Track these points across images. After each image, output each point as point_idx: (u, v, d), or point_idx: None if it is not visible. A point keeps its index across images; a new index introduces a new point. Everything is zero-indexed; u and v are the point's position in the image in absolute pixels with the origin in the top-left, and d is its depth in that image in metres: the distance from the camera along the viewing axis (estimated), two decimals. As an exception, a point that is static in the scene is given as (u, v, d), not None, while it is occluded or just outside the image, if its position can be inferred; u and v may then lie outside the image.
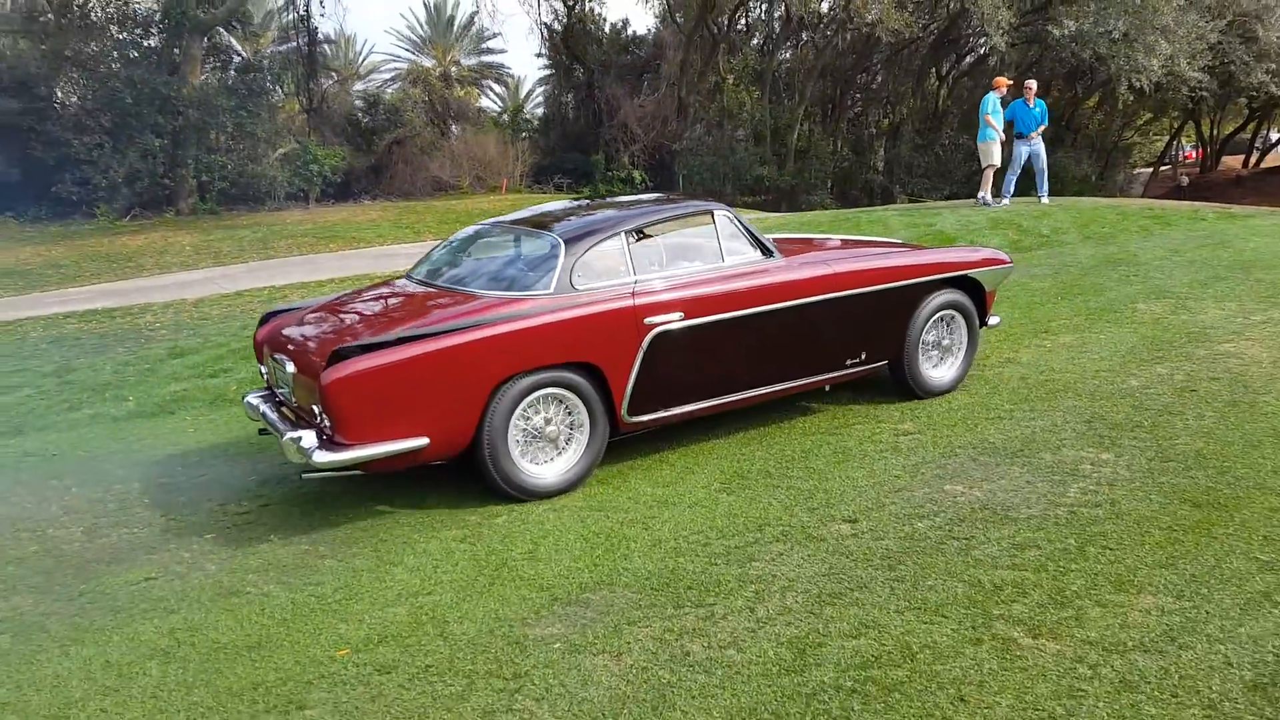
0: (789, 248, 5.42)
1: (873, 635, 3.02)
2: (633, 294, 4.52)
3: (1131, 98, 21.10)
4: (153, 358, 7.87)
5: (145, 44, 19.76)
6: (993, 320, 5.79)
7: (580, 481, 4.53)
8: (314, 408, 4.16)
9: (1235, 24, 19.98)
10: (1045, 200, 12.98)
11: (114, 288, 11.86)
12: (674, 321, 4.55)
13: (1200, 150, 36.02)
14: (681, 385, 4.70)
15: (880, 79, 27.77)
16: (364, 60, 33.41)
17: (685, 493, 4.38)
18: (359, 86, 29.85)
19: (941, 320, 5.48)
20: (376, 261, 12.46)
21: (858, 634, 3.03)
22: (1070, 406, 5.09)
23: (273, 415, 4.63)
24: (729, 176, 23.54)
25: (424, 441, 4.10)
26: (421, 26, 33.81)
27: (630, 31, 28.09)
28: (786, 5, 23.09)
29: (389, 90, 29.75)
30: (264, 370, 5.07)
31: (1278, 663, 2.73)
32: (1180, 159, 37.78)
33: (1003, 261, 5.74)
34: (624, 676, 2.90)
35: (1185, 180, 31.22)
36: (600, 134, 25.35)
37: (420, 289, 4.98)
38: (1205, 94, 21.91)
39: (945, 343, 5.54)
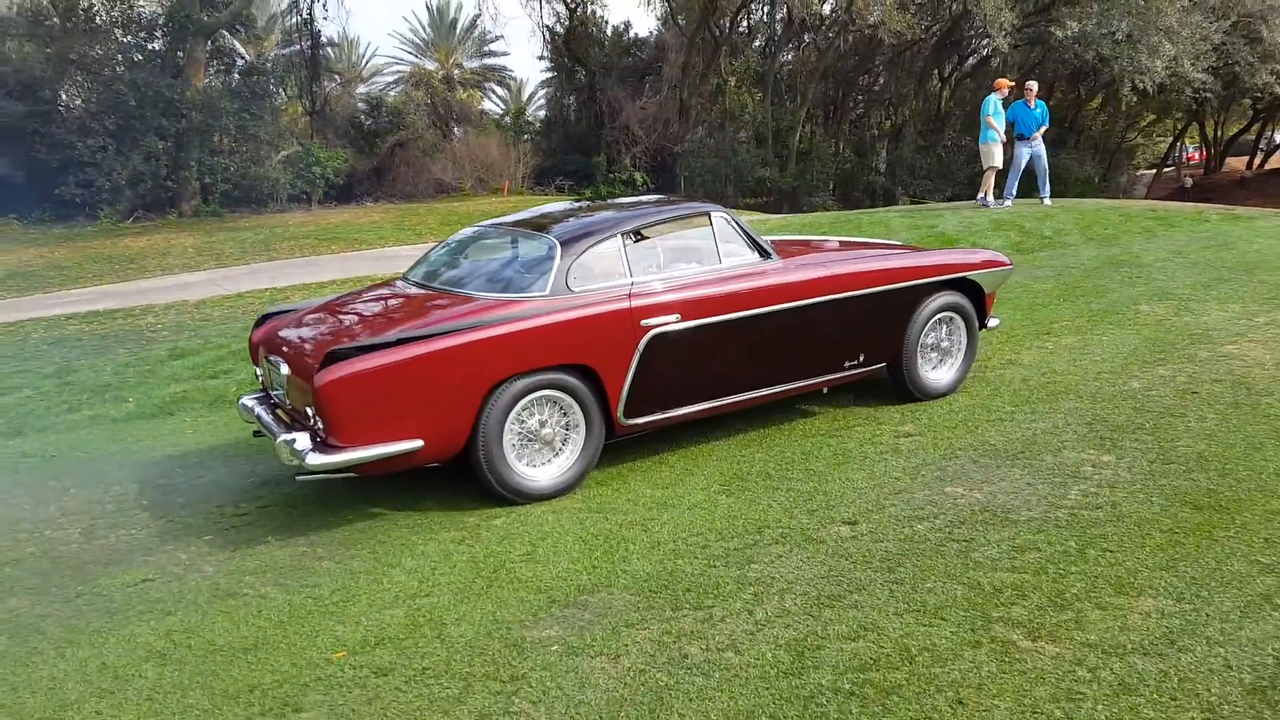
0: (787, 249, 5.39)
1: (871, 638, 3.00)
2: (629, 296, 4.51)
3: (1135, 99, 21.09)
4: (153, 359, 7.87)
5: (149, 47, 19.85)
6: (992, 322, 5.77)
7: (575, 484, 4.51)
8: (308, 410, 4.15)
9: (1239, 25, 19.93)
10: (1047, 202, 12.96)
11: (116, 289, 11.87)
12: (670, 323, 4.53)
13: (1204, 152, 35.93)
14: (678, 387, 4.68)
15: (882, 81, 27.77)
16: (367, 63, 33.41)
17: (684, 495, 4.36)
18: (362, 89, 29.91)
19: (941, 322, 5.46)
20: (378, 263, 12.47)
21: (856, 636, 3.02)
22: (1072, 408, 5.07)
23: (267, 417, 4.62)
24: (731, 178, 23.54)
25: (418, 444, 4.09)
26: (424, 29, 33.81)
27: (632, 34, 28.17)
28: (788, 7, 23.06)
29: (392, 93, 29.83)
30: (259, 372, 5.06)
31: (1277, 666, 2.72)
32: (1184, 160, 37.68)
33: (1002, 264, 5.72)
34: (622, 679, 2.89)
35: (1189, 182, 31.17)
36: (602, 136, 25.36)
37: (417, 290, 4.97)
38: (1209, 95, 21.85)
39: (945, 345, 5.52)
